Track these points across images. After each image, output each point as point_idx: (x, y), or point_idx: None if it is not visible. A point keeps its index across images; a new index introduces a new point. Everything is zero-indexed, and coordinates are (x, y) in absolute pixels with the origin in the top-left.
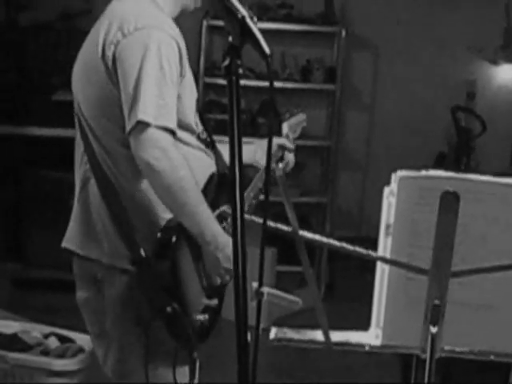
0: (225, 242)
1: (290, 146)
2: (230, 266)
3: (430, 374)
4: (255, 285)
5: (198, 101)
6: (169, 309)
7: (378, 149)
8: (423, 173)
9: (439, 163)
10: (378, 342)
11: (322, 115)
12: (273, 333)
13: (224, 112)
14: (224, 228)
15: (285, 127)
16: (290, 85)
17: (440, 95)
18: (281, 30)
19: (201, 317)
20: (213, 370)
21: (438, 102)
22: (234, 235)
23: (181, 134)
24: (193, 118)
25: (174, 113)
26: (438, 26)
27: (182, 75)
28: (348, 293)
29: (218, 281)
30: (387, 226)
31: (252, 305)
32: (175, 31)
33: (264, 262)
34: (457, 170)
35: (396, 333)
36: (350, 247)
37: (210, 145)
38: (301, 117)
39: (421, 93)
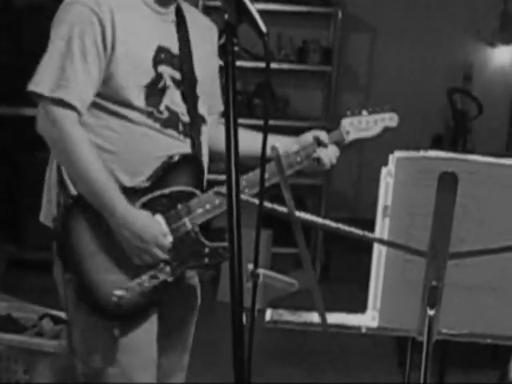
0: (131, 218)
1: (325, 140)
2: (141, 244)
3: (427, 357)
4: (251, 266)
5: (179, 80)
6: (67, 276)
7: None
8: (421, 153)
9: (436, 145)
10: (374, 324)
11: (318, 96)
12: (268, 314)
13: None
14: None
15: (346, 123)
16: (285, 66)
17: (436, 77)
18: (277, 11)
19: (118, 293)
20: (208, 351)
21: (435, 84)
22: (229, 216)
23: (117, 108)
24: (135, 94)
25: (78, 87)
26: (435, 8)
27: (108, 49)
28: (343, 274)
29: (137, 261)
30: (385, 208)
31: (247, 286)
32: (104, 6)
33: (259, 243)
34: (453, 151)
35: (393, 315)
36: (346, 228)
37: (186, 127)
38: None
39: (417, 75)
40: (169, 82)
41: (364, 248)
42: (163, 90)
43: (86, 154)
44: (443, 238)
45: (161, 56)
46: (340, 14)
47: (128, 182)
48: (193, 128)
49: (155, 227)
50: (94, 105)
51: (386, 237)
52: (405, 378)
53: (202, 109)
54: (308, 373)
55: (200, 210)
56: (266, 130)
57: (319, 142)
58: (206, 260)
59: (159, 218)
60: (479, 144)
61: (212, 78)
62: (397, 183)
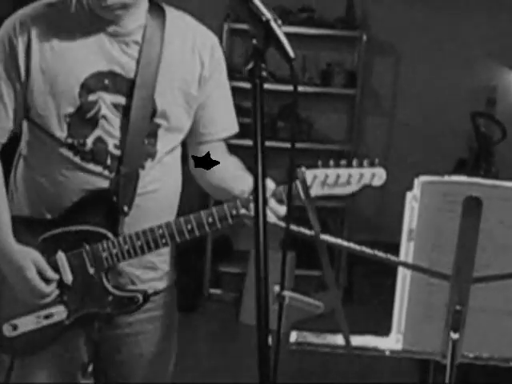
0: (10, 255)
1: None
2: (17, 283)
3: (451, 380)
4: (277, 288)
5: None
6: None
7: (397, 154)
8: (446, 178)
9: (459, 169)
10: (398, 347)
11: (342, 119)
12: (293, 336)
13: (244, 116)
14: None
15: (308, 176)
16: (310, 89)
17: (460, 101)
18: (301, 34)
19: (7, 327)
20: (230, 373)
21: (458, 108)
22: (256, 238)
23: (42, 136)
24: (55, 124)
25: None
26: (459, 31)
27: (22, 77)
28: (366, 297)
29: (20, 296)
30: (410, 231)
31: (273, 308)
32: (23, 30)
33: (288, 265)
34: (476, 176)
35: (417, 338)
36: (371, 252)
37: (109, 159)
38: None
39: (441, 98)
40: (106, 111)
41: (386, 271)
42: (94, 119)
43: None
44: (467, 262)
45: (97, 82)
46: (365, 38)
47: (38, 214)
48: (128, 162)
49: (30, 269)
50: (29, 128)
51: (410, 260)
52: None
53: (160, 143)
54: None
55: (105, 254)
56: (293, 153)
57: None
58: (109, 309)
59: (61, 256)
60: (503, 168)
61: (198, 105)
62: (422, 207)
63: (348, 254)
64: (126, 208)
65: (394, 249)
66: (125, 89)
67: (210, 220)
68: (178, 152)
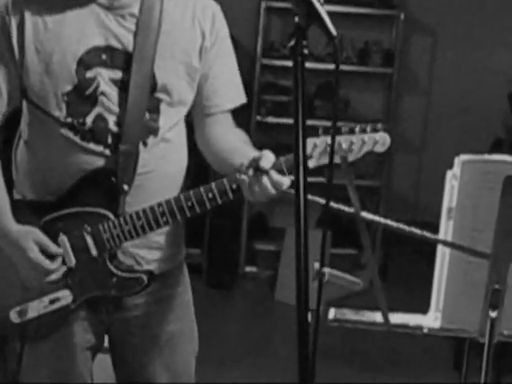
0: (11, 235)
1: (266, 165)
2: (22, 265)
3: (488, 359)
4: (317, 265)
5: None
6: None
7: (433, 133)
8: (486, 157)
9: (496, 149)
10: (437, 325)
11: (379, 98)
12: (332, 313)
13: (280, 93)
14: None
15: (308, 145)
16: (347, 67)
17: (497, 81)
18: (339, 13)
19: (14, 314)
20: (265, 350)
21: (496, 88)
22: (296, 216)
23: (41, 117)
24: (53, 103)
25: None
26: (497, 10)
27: (16, 56)
28: (401, 276)
29: (27, 282)
30: (449, 210)
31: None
32: (16, 8)
33: (321, 243)
34: None
35: (455, 316)
36: (416, 231)
37: (109, 137)
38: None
39: (478, 78)
40: (105, 88)
41: (421, 250)
42: (93, 96)
43: None
44: (506, 241)
45: (94, 58)
46: (402, 16)
47: (41, 196)
48: (127, 139)
49: (32, 249)
50: (28, 109)
51: (449, 239)
52: (461, 378)
53: (162, 118)
54: (359, 373)
55: (106, 236)
56: (334, 130)
57: (257, 168)
58: (113, 291)
59: (63, 239)
60: None
61: (200, 76)
62: (462, 186)
63: (383, 233)
64: (125, 187)
65: (430, 228)
66: (123, 63)
67: (210, 195)
68: (182, 127)
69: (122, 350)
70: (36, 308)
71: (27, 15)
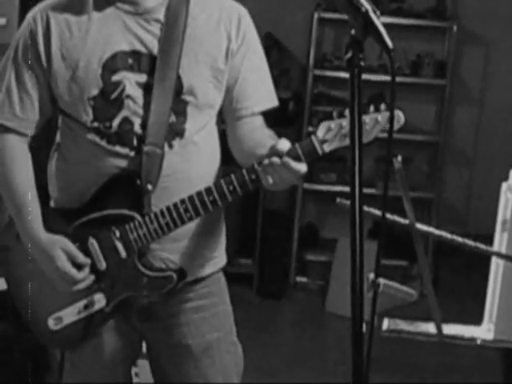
0: (40, 244)
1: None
2: (51, 272)
3: None
4: (371, 276)
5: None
6: None
7: (485, 145)
8: None
9: None
10: (490, 337)
11: (431, 110)
12: (385, 324)
13: (332, 104)
14: None
15: (321, 129)
16: (399, 78)
17: None
18: (391, 24)
19: (52, 321)
20: (315, 361)
21: None
22: (352, 226)
23: (70, 122)
24: (80, 108)
25: (12, 110)
26: None
27: (44, 64)
28: (451, 288)
29: (59, 287)
30: (504, 222)
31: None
32: (42, 15)
33: (376, 254)
34: None
35: (509, 327)
36: (470, 242)
37: (135, 140)
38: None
39: None
40: (130, 91)
41: (473, 263)
42: (119, 100)
43: (8, 180)
44: None
45: (120, 62)
46: (455, 28)
47: (71, 203)
48: (151, 141)
49: (60, 258)
50: (60, 117)
51: (504, 251)
52: None
53: (189, 120)
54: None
55: (133, 236)
56: (390, 140)
57: (274, 153)
58: (145, 291)
59: (93, 243)
60: None
61: (228, 79)
62: None
63: (434, 245)
64: (149, 186)
65: (482, 240)
66: (148, 67)
67: (231, 187)
68: (213, 131)
69: (158, 358)
70: (71, 314)
71: (53, 23)
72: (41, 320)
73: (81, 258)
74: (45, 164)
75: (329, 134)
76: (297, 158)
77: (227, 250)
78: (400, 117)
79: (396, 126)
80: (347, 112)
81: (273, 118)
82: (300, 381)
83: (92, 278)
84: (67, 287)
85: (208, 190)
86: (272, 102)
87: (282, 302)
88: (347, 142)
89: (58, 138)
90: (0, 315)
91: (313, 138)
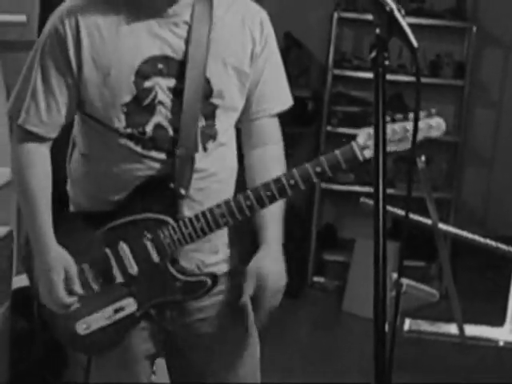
0: (47, 256)
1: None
2: (46, 300)
3: None
4: (395, 276)
5: (132, 97)
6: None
7: (504, 146)
8: None
9: None
10: None
11: (450, 110)
12: (407, 324)
13: (351, 104)
14: None
15: (362, 136)
16: None
17: None
18: (411, 24)
19: (80, 326)
20: (332, 360)
21: None
22: (375, 227)
23: (100, 129)
24: (112, 114)
25: (37, 113)
26: None
27: (74, 69)
28: (469, 289)
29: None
30: None
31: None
32: (71, 20)
33: (399, 254)
34: None
35: None
36: (491, 243)
37: (171, 145)
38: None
39: None
40: (162, 97)
41: (490, 263)
42: (151, 106)
43: (28, 191)
44: None
45: (151, 67)
46: (474, 29)
47: (98, 207)
48: (183, 144)
49: (58, 273)
50: (82, 120)
51: None
52: None
53: (218, 122)
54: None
55: (167, 241)
56: (414, 138)
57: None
58: (178, 296)
59: (123, 247)
60: None
61: (250, 82)
62: None
63: (451, 245)
64: (183, 191)
65: (501, 240)
66: (177, 71)
67: (269, 193)
68: (233, 131)
69: (190, 353)
70: (100, 318)
71: (82, 26)
72: (68, 324)
73: (76, 287)
74: (60, 165)
75: (370, 141)
76: (337, 165)
77: (246, 249)
78: (441, 124)
79: (436, 133)
80: (388, 118)
81: (292, 117)
82: (316, 380)
83: (77, 305)
84: (50, 303)
85: (245, 196)
86: (288, 103)
87: (299, 301)
88: (388, 147)
89: (78, 141)
90: (21, 311)
91: (353, 144)
